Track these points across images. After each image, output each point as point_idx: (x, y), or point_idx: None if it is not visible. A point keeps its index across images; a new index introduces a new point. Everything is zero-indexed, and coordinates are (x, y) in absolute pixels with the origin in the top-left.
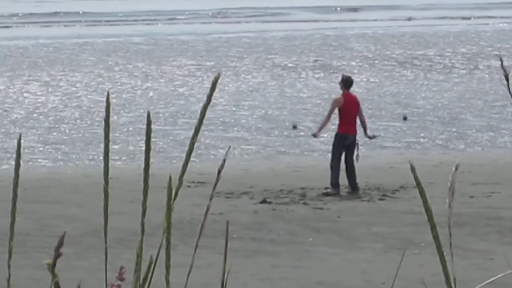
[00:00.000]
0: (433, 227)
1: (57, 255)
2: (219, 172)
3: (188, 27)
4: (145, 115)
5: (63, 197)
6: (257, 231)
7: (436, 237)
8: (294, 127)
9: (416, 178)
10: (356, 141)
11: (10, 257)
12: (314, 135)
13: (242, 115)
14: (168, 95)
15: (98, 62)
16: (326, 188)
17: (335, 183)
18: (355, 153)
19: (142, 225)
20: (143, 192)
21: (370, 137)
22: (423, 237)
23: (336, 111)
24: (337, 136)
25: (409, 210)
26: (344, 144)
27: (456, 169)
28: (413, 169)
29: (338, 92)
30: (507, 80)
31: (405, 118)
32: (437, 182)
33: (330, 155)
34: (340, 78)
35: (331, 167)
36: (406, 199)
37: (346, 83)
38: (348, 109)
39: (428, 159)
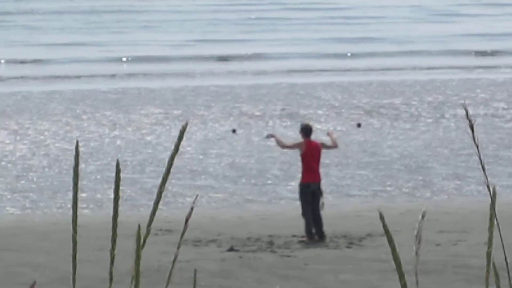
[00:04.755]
0: (401, 276)
1: None
2: (186, 220)
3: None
4: (113, 163)
5: (31, 245)
6: (224, 279)
7: (404, 286)
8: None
9: (385, 226)
10: (321, 189)
11: None
12: (268, 136)
13: (209, 163)
14: (136, 144)
15: (66, 111)
16: (293, 235)
17: (308, 231)
18: (320, 201)
19: (110, 273)
20: (111, 240)
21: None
22: (390, 285)
23: (299, 157)
24: (300, 186)
25: (376, 258)
26: (308, 192)
27: (422, 217)
28: (381, 217)
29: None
30: (472, 130)
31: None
32: (404, 230)
33: (297, 203)
34: (299, 128)
35: (303, 216)
36: (373, 247)
37: (305, 130)
38: (309, 157)
39: (395, 207)
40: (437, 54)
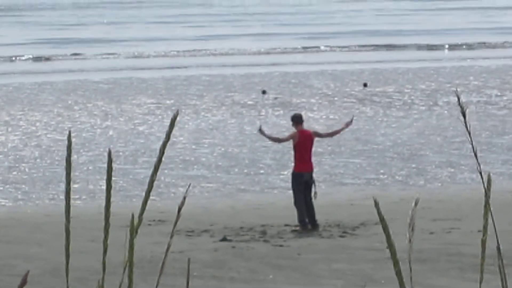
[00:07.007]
0: (395, 263)
1: None
2: (179, 210)
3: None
4: (105, 153)
5: (23, 236)
6: (217, 269)
7: (398, 273)
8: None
9: (379, 213)
10: (313, 178)
11: None
12: (260, 130)
13: (202, 153)
14: (128, 134)
15: (57, 101)
16: (286, 225)
17: (301, 220)
18: (313, 190)
19: (103, 263)
20: (104, 230)
21: (348, 123)
22: (384, 274)
23: (291, 146)
24: (293, 175)
25: (369, 247)
26: (301, 181)
27: (415, 204)
28: (376, 204)
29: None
30: (464, 116)
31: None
32: (397, 218)
33: (290, 192)
34: (291, 119)
35: (295, 206)
36: (367, 235)
37: (297, 118)
38: (302, 147)
39: (388, 195)
40: (429, 47)
